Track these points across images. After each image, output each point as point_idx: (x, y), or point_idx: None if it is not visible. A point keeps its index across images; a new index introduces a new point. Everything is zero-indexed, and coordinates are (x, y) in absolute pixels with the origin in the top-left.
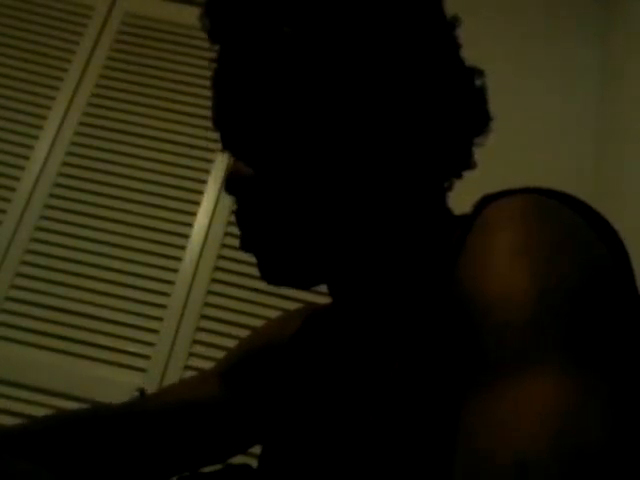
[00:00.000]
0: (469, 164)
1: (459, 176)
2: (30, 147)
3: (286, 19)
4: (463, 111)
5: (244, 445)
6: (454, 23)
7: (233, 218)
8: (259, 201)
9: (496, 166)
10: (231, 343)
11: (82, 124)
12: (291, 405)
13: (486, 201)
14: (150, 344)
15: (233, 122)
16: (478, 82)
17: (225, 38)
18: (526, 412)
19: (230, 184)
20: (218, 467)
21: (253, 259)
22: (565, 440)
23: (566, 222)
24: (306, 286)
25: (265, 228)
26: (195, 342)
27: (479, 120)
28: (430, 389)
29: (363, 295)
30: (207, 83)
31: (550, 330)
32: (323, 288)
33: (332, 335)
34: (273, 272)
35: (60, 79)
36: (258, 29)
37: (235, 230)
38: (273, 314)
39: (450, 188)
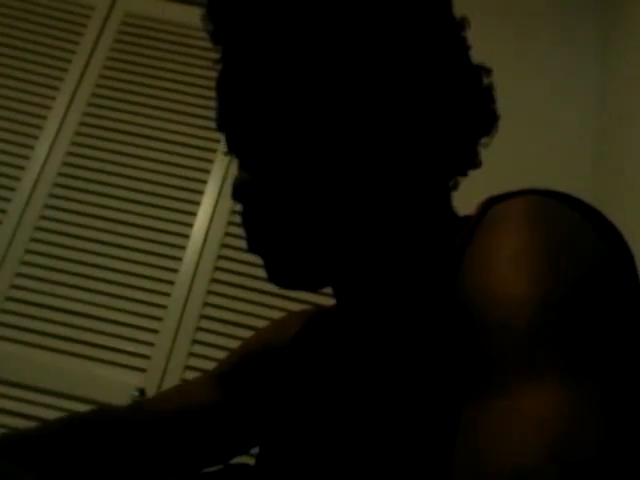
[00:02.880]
0: (475, 163)
1: (464, 175)
2: (30, 147)
3: (290, 20)
4: (470, 110)
5: (245, 447)
6: (463, 24)
7: (233, 218)
8: (266, 206)
9: (496, 166)
10: (231, 343)
11: (82, 124)
12: (291, 406)
13: (490, 203)
14: (150, 344)
15: (237, 125)
16: (486, 81)
17: (228, 40)
18: (525, 419)
19: (237, 191)
20: (217, 467)
21: (253, 259)
22: (563, 449)
23: (568, 224)
24: (312, 288)
25: (272, 232)
26: (195, 342)
27: (486, 119)
28: (432, 391)
29: (367, 296)
30: (207, 83)
31: (550, 335)
32: (325, 288)
33: (334, 337)
34: (281, 275)
35: (60, 79)
36: (261, 31)
37: (235, 230)
38: (273, 314)
39: (456, 187)
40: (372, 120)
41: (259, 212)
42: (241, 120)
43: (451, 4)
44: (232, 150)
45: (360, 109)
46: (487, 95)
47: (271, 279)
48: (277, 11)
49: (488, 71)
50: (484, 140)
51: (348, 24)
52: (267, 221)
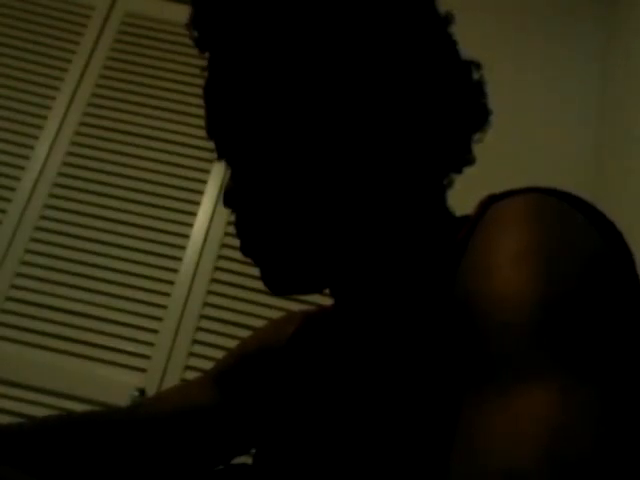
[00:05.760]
0: (468, 160)
1: (459, 172)
2: (30, 147)
3: (275, 25)
4: (461, 105)
5: (244, 447)
6: (448, 19)
7: (233, 219)
8: (257, 212)
9: (496, 166)
10: (231, 343)
11: (82, 124)
12: (289, 406)
13: (490, 201)
14: (150, 344)
15: (226, 131)
16: (476, 76)
17: (213, 47)
18: (524, 420)
19: (228, 197)
20: (217, 467)
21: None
22: (561, 450)
23: (569, 222)
24: (309, 292)
25: (265, 238)
26: (195, 342)
27: (478, 114)
28: (431, 391)
29: (364, 296)
30: None
31: (550, 336)
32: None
33: (332, 336)
34: (277, 282)
35: (60, 79)
36: (246, 37)
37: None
38: (273, 314)
39: (450, 185)
40: (361, 121)
41: (251, 218)
42: (229, 126)
43: (434, 1)
44: (222, 157)
45: (348, 111)
46: (478, 90)
47: (268, 287)
48: (262, 17)
49: (478, 66)
50: (477, 136)
51: (333, 26)
52: (259, 227)
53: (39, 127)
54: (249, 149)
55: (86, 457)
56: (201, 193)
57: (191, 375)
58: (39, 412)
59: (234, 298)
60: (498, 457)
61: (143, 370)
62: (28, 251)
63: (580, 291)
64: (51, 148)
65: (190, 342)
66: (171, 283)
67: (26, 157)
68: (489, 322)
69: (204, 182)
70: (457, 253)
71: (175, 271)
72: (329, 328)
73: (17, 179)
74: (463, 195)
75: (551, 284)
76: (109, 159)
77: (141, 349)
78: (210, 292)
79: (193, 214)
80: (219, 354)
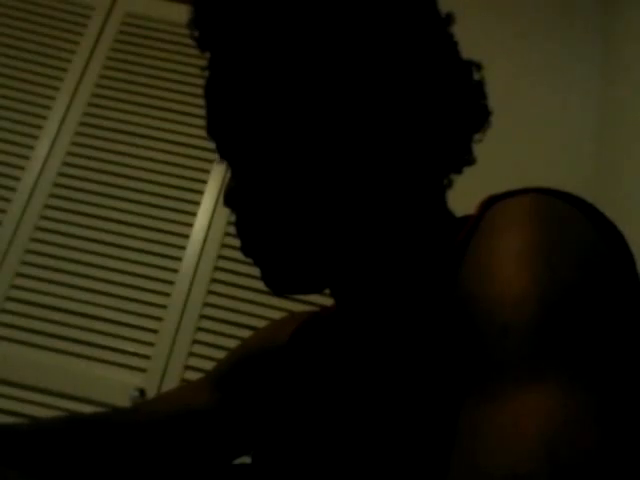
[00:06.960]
0: (468, 160)
1: (459, 172)
2: (30, 147)
3: (277, 24)
4: (461, 106)
5: (245, 448)
6: (449, 20)
7: (233, 219)
8: (258, 212)
9: (496, 166)
10: (231, 343)
11: (82, 124)
12: (288, 407)
13: (491, 202)
14: (150, 344)
15: (227, 131)
16: (476, 76)
17: (214, 46)
18: (524, 423)
19: (228, 197)
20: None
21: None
22: (562, 453)
23: (569, 223)
24: (310, 292)
25: (266, 238)
26: (195, 342)
27: (478, 114)
28: (432, 393)
29: (365, 297)
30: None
31: (551, 338)
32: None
33: (332, 337)
34: (277, 282)
35: (60, 79)
36: (248, 36)
37: (235, 230)
38: (273, 314)
39: (450, 185)
40: (361, 122)
41: (252, 218)
42: (230, 126)
43: (435, 1)
44: (223, 157)
45: (349, 111)
46: (478, 90)
47: (267, 285)
48: (263, 16)
49: (478, 67)
50: (477, 137)
51: (334, 26)
52: (260, 227)
53: (39, 127)
54: (250, 149)
55: (84, 459)
56: (201, 193)
57: (191, 375)
58: (39, 412)
59: (234, 298)
60: (499, 458)
61: (143, 370)
62: (28, 251)
63: (580, 292)
64: (51, 148)
65: (190, 342)
66: (171, 283)
67: (26, 157)
68: (490, 323)
69: (204, 182)
70: (458, 254)
71: (175, 271)
72: (330, 329)
73: (17, 179)
74: (463, 195)
75: (552, 285)
76: (109, 159)
77: (141, 349)
78: (210, 292)
79: (193, 214)
80: (219, 354)
